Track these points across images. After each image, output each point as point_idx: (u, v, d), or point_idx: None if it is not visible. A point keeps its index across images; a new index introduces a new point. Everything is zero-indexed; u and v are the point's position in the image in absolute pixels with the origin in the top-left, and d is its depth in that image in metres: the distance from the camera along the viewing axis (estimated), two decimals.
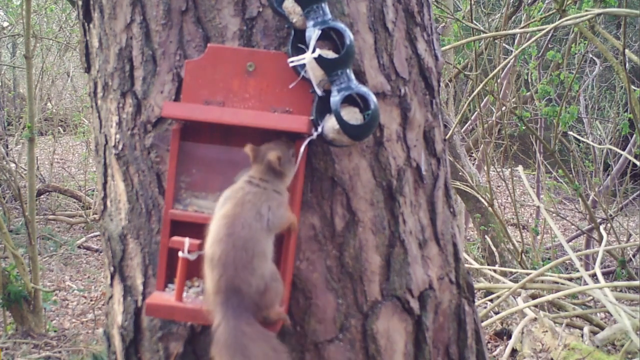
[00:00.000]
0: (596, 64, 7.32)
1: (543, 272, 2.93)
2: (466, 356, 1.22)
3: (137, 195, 1.14)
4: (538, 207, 3.96)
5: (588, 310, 3.71)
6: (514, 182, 5.84)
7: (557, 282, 3.20)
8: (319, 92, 1.00)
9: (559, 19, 3.02)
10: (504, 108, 5.09)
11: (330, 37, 1.00)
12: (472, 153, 6.98)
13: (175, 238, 0.99)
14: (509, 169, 6.03)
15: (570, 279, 3.17)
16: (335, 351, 1.09)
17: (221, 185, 1.03)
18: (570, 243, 6.27)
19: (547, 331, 3.24)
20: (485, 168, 5.15)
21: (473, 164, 6.14)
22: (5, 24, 8.93)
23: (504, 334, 3.87)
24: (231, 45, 1.06)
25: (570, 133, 5.20)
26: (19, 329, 4.29)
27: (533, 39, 3.05)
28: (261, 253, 0.93)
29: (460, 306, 1.23)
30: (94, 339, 4.57)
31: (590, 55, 7.22)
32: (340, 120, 0.96)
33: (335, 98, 0.97)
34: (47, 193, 8.39)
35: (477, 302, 2.38)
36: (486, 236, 5.07)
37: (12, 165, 7.67)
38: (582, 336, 3.26)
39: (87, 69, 1.25)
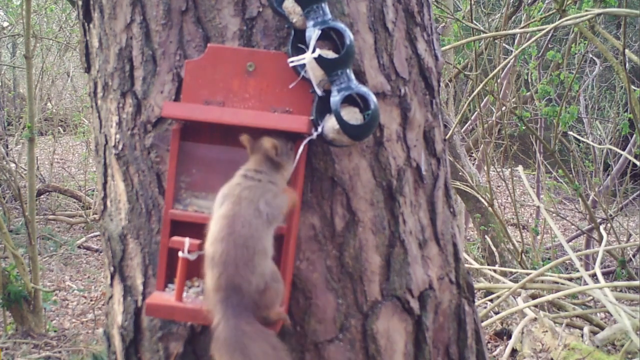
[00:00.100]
0: (596, 64, 7.32)
1: (543, 272, 2.93)
2: (466, 356, 1.22)
3: (137, 195, 1.14)
4: (538, 207, 3.96)
5: (588, 310, 3.71)
6: (514, 182, 5.84)
7: (557, 282, 3.20)
8: (319, 92, 1.00)
9: (559, 19, 3.02)
10: (504, 108, 5.09)
11: (330, 37, 1.00)
12: (472, 153, 6.98)
13: (175, 238, 0.99)
14: (509, 169, 6.03)
15: (570, 279, 3.17)
16: (335, 351, 1.09)
17: (221, 185, 1.02)
18: (570, 243, 6.27)
19: (547, 331, 3.24)
20: (485, 168, 5.15)
21: (473, 164, 6.14)
22: (5, 24, 8.93)
23: (504, 334, 3.87)
24: (231, 45, 1.06)
25: (570, 133, 5.20)
26: (19, 329, 4.29)
27: (533, 39, 3.05)
28: (262, 251, 0.93)
29: (460, 306, 1.23)
30: (94, 339, 4.57)
31: (590, 55, 7.22)
32: (340, 120, 0.96)
33: (335, 98, 0.97)
34: (47, 193, 8.39)
35: (477, 302, 2.38)
36: (486, 236, 5.07)
37: (12, 165, 7.67)
38: (582, 336, 3.26)
39: (87, 69, 1.25)
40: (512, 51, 6.06)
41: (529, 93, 5.93)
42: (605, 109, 8.02)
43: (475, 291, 1.53)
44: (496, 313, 3.52)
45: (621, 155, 5.27)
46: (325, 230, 1.09)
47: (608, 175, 6.26)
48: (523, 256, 4.68)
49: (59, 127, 10.37)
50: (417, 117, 1.16)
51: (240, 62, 1.04)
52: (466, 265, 1.34)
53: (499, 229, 4.98)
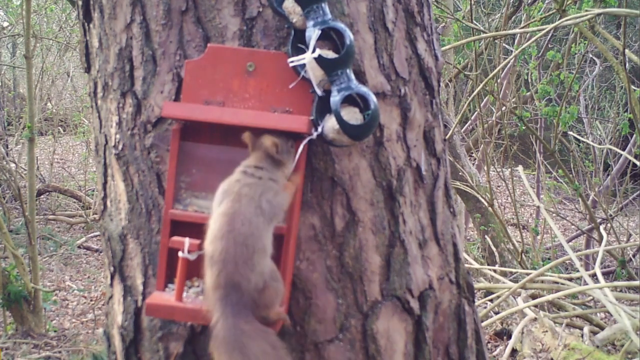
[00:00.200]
0: (596, 64, 7.33)
1: (543, 272, 2.93)
2: (466, 356, 1.22)
3: (137, 195, 1.14)
4: (538, 207, 3.96)
5: (588, 310, 3.71)
6: (514, 182, 5.84)
7: (557, 282, 3.20)
8: (319, 92, 1.00)
9: (559, 19, 3.02)
10: (504, 108, 5.09)
11: (330, 37, 1.00)
12: (472, 153, 6.98)
13: (175, 238, 0.99)
14: (509, 169, 6.03)
15: (570, 279, 3.17)
16: (335, 351, 1.09)
17: None
18: (570, 243, 6.27)
19: (547, 331, 3.24)
20: (485, 168, 5.15)
21: (473, 164, 6.14)
22: (5, 24, 8.93)
23: (504, 334, 3.87)
24: (231, 45, 1.06)
25: (570, 133, 5.20)
26: (19, 329, 4.29)
27: (533, 39, 3.05)
28: (262, 249, 0.93)
29: (460, 306, 1.23)
30: (94, 339, 4.57)
31: (590, 55, 7.23)
32: (340, 120, 0.96)
33: (335, 98, 0.97)
34: (47, 193, 8.39)
35: (477, 302, 2.38)
36: (486, 236, 5.07)
37: (12, 165, 7.67)
38: (582, 336, 3.26)
39: (87, 69, 1.25)
40: (512, 51, 6.06)
41: (529, 93, 5.93)
42: (605, 109, 8.02)
43: (475, 291, 1.53)
44: (496, 313, 3.52)
45: (621, 155, 5.27)
46: (325, 230, 1.09)
47: (608, 175, 6.26)
48: (523, 256, 4.68)
49: (59, 127, 10.37)
50: (417, 117, 1.16)
51: (240, 62, 1.04)
52: (466, 265, 1.34)
53: (499, 229, 4.98)
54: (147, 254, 1.13)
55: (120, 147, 1.15)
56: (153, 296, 1.03)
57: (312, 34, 0.98)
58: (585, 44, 4.62)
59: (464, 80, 7.45)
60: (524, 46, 3.45)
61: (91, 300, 5.70)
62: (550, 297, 3.02)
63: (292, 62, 1.00)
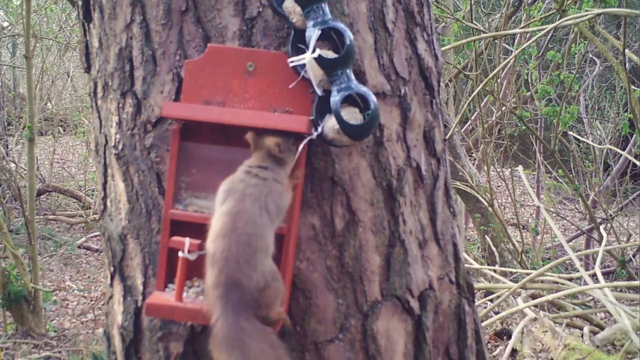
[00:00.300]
0: (596, 64, 7.33)
1: (543, 272, 2.93)
2: (466, 356, 1.22)
3: (137, 195, 1.14)
4: (538, 207, 3.96)
5: (588, 310, 3.71)
6: (514, 182, 5.84)
7: (557, 282, 3.20)
8: (319, 92, 1.00)
9: (559, 19, 3.02)
10: (504, 108, 5.09)
11: (330, 37, 1.00)
12: (472, 153, 6.98)
13: (175, 238, 0.99)
14: (509, 169, 6.03)
15: (570, 279, 3.17)
16: (335, 351, 1.09)
17: None
18: (570, 243, 6.27)
19: (547, 331, 3.24)
20: (485, 168, 5.15)
21: (473, 164, 6.14)
22: (5, 24, 8.93)
23: (504, 334, 3.87)
24: (231, 45, 1.06)
25: (570, 133, 5.20)
26: (19, 329, 4.29)
27: (533, 39, 3.05)
28: (264, 248, 0.93)
29: (460, 306, 1.23)
30: (94, 339, 4.57)
31: (590, 55, 7.23)
32: (340, 120, 0.96)
33: (335, 98, 0.97)
34: (47, 193, 8.39)
35: (477, 302, 2.38)
36: (486, 236, 5.07)
37: (12, 165, 7.67)
38: (582, 336, 3.26)
39: (87, 69, 1.25)
40: (512, 51, 6.06)
41: (529, 93, 5.93)
42: (605, 109, 8.02)
43: (475, 291, 1.53)
44: (496, 313, 3.52)
45: (621, 155, 5.27)
46: (325, 230, 1.09)
47: (608, 175, 6.26)
48: (523, 256, 4.68)
49: (59, 127, 10.37)
50: (417, 117, 1.16)
51: (240, 62, 1.04)
52: (466, 265, 1.34)
53: (499, 229, 4.98)
54: (147, 254, 1.13)
55: (120, 147, 1.15)
56: (153, 296, 1.03)
57: (312, 34, 0.98)
58: (585, 44, 4.62)
59: (464, 80, 7.45)
60: (524, 46, 3.45)
61: (91, 300, 5.70)
62: (550, 297, 3.02)
63: (292, 62, 1.00)
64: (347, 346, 1.10)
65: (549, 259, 5.40)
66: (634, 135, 4.73)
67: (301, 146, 1.01)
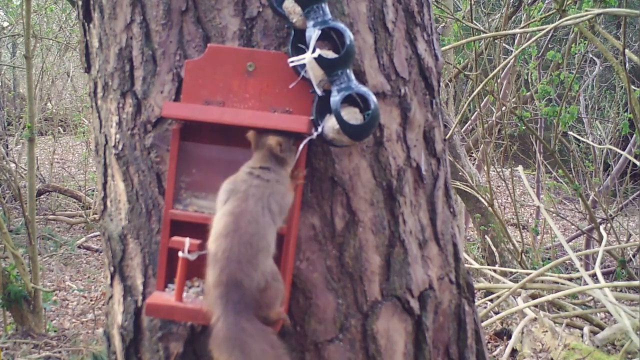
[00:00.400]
0: (596, 64, 7.33)
1: (543, 272, 2.93)
2: (466, 356, 1.22)
3: (137, 195, 1.14)
4: (538, 207, 3.96)
5: (588, 310, 3.71)
6: (514, 182, 5.84)
7: (557, 282, 3.20)
8: (319, 92, 1.00)
9: (559, 19, 3.02)
10: (504, 108, 5.09)
11: (330, 37, 1.00)
12: (472, 153, 6.98)
13: (175, 238, 0.99)
14: (509, 169, 6.03)
15: (570, 279, 3.18)
16: (335, 351, 1.09)
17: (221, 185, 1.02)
18: (570, 243, 6.27)
19: (547, 331, 3.24)
20: (485, 168, 5.15)
21: (473, 164, 6.14)
22: (5, 24, 8.93)
23: (504, 334, 3.87)
24: (231, 45, 1.06)
25: (570, 133, 5.20)
26: (19, 329, 4.29)
27: (533, 39, 3.05)
28: (265, 248, 0.93)
29: (460, 306, 1.23)
30: (94, 339, 4.57)
31: (590, 55, 7.23)
32: (340, 120, 0.96)
33: (335, 98, 0.97)
34: (47, 193, 8.39)
35: (477, 302, 2.38)
36: (486, 236, 5.07)
37: (12, 165, 7.67)
38: (582, 336, 3.26)
39: (87, 69, 1.25)
40: (512, 51, 6.06)
41: (529, 93, 5.93)
42: (605, 109, 8.02)
43: (475, 291, 1.53)
44: (496, 313, 3.52)
45: (621, 155, 5.27)
46: (325, 230, 1.09)
47: (608, 175, 6.26)
48: (523, 256, 4.68)
49: (59, 127, 10.37)
50: (417, 117, 1.16)
51: (240, 62, 1.04)
52: (466, 265, 1.34)
53: (499, 229, 4.98)
54: (147, 254, 1.13)
55: (120, 147, 1.15)
56: (153, 296, 1.03)
57: (312, 34, 0.98)
58: (585, 44, 4.62)
59: (464, 80, 7.45)
60: (524, 46, 3.45)
61: (91, 300, 5.70)
62: (550, 297, 3.02)
63: (292, 62, 1.00)
64: (347, 346, 1.10)
65: (549, 259, 5.40)
66: (634, 135, 4.73)
67: (301, 146, 1.01)
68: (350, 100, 0.98)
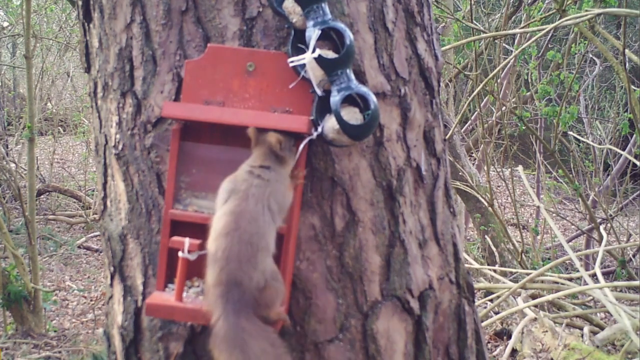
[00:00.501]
0: (596, 64, 7.32)
1: (543, 272, 2.93)
2: (466, 356, 1.22)
3: (137, 195, 1.14)
4: (538, 207, 3.96)
5: (588, 310, 3.71)
6: (514, 182, 5.84)
7: (557, 282, 3.20)
8: (319, 92, 1.00)
9: (559, 19, 3.02)
10: (504, 108, 5.09)
11: (330, 37, 1.00)
12: (472, 153, 6.98)
13: (175, 238, 0.99)
14: (509, 169, 6.03)
15: (570, 279, 3.18)
16: (335, 351, 1.09)
17: None
18: (570, 243, 6.27)
19: (547, 331, 3.24)
20: (485, 168, 5.15)
21: (473, 164, 6.14)
22: (5, 24, 8.93)
23: (504, 334, 3.87)
24: (231, 45, 1.06)
25: (570, 133, 5.20)
26: (19, 329, 4.29)
27: (533, 39, 3.05)
28: (265, 248, 0.93)
29: (460, 306, 1.23)
30: (94, 339, 4.57)
31: (590, 55, 7.23)
32: (340, 120, 0.96)
33: (335, 98, 0.97)
34: (47, 193, 8.39)
35: (477, 302, 2.38)
36: (486, 236, 5.07)
37: (12, 165, 7.67)
38: (582, 336, 3.26)
39: (87, 69, 1.25)
40: (512, 51, 6.06)
41: (529, 93, 5.93)
42: (605, 109, 8.02)
43: (475, 291, 1.53)
44: (496, 313, 3.52)
45: (621, 155, 5.27)
46: (325, 230, 1.09)
47: (608, 175, 6.26)
48: (523, 256, 4.68)
49: (59, 127, 10.37)
50: (417, 117, 1.16)
51: (240, 62, 1.04)
52: (466, 265, 1.34)
53: (499, 229, 4.98)
54: (147, 254, 1.13)
55: (120, 147, 1.15)
56: (153, 296, 1.03)
57: (312, 34, 0.98)
58: (585, 44, 4.62)
59: (464, 80, 7.45)
60: (524, 46, 3.45)
61: (91, 300, 5.70)
62: (550, 297, 3.02)
63: (292, 62, 1.00)
64: (347, 346, 1.10)
65: (549, 259, 5.40)
66: (634, 135, 4.73)
67: (301, 146, 1.01)
68: (350, 100, 0.98)
